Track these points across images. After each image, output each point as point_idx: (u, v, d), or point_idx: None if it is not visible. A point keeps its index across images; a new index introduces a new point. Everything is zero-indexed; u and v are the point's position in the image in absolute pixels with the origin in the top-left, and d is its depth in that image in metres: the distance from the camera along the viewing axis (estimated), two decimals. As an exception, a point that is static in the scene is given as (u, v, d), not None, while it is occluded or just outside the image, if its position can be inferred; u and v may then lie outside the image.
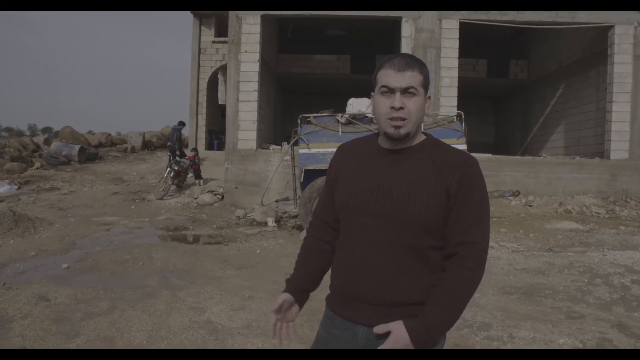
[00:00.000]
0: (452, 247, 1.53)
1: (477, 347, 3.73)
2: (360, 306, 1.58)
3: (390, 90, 1.53)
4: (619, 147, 11.12)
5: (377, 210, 1.55)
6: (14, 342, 3.67)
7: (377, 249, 1.55)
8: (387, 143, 1.62)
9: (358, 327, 1.59)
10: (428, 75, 1.59)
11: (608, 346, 3.75)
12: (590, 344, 3.77)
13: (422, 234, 1.52)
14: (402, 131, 1.54)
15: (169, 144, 15.13)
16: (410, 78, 1.52)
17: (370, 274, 1.55)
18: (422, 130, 1.69)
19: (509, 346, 3.74)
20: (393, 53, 1.66)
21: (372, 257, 1.55)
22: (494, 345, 3.76)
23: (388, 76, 1.54)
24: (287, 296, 1.70)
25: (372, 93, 1.64)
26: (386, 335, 1.51)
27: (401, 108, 1.52)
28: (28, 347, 3.60)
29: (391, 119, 1.53)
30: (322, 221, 1.77)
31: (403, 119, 1.53)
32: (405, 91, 1.52)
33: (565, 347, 3.71)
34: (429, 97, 1.61)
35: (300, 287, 1.74)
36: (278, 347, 3.69)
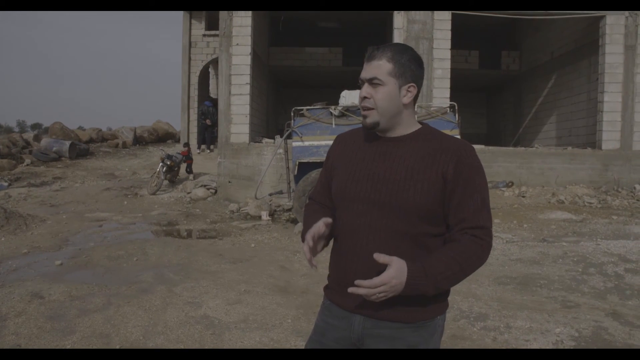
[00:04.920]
0: (459, 231, 1.53)
1: (474, 337, 3.74)
2: (356, 295, 1.57)
3: (361, 82, 1.60)
4: (610, 137, 11.19)
5: (372, 198, 1.56)
6: (9, 340, 3.63)
7: (372, 236, 1.55)
8: (379, 132, 1.65)
9: (354, 316, 1.60)
10: (405, 64, 1.57)
11: (603, 334, 3.78)
12: (586, 333, 3.80)
13: (416, 221, 1.53)
14: (368, 120, 1.59)
15: (208, 121, 16.01)
16: (375, 68, 1.56)
17: (367, 262, 1.55)
18: (419, 120, 1.70)
19: (506, 336, 3.75)
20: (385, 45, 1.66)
21: (368, 245, 1.55)
22: (491, 335, 3.78)
23: (362, 68, 1.61)
24: (327, 220, 1.58)
25: None
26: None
27: (366, 97, 1.58)
28: (23, 344, 3.56)
29: (361, 108, 1.61)
30: (320, 203, 1.79)
31: (369, 109, 1.58)
32: (371, 82, 1.57)
33: (561, 335, 3.73)
34: (412, 86, 1.59)
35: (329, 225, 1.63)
36: (276, 342, 3.68)
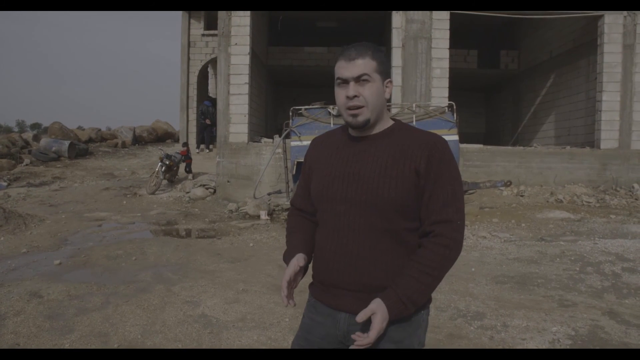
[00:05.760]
0: (428, 226, 1.55)
1: (471, 336, 3.75)
2: (341, 293, 1.62)
3: (344, 81, 1.59)
4: (609, 137, 11.20)
5: (350, 197, 1.58)
6: (8, 339, 3.64)
7: (352, 235, 1.58)
8: (355, 131, 1.66)
9: (340, 314, 1.63)
10: (384, 60, 1.61)
11: (600, 333, 3.79)
12: (583, 331, 3.81)
13: (394, 217, 1.56)
14: (360, 119, 1.59)
15: (207, 121, 16.17)
16: (362, 66, 1.57)
17: (348, 260, 1.59)
18: (392, 117, 1.72)
19: (503, 335, 3.77)
20: (384, 44, 1.67)
21: (348, 244, 1.59)
22: (488, 334, 3.79)
23: (341, 67, 1.59)
24: (301, 257, 1.65)
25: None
26: (368, 321, 1.54)
27: (355, 96, 1.57)
28: (22, 343, 3.57)
29: (348, 108, 1.58)
30: (300, 210, 1.82)
31: (359, 107, 1.58)
32: (358, 79, 1.57)
33: (558, 334, 3.75)
34: (390, 82, 1.64)
35: (306, 252, 1.70)
36: (274, 341, 3.70)
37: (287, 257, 1.69)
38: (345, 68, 1.58)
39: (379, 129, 1.64)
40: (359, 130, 1.64)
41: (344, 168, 1.62)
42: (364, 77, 1.56)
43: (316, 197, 1.69)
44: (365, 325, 1.53)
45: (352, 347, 1.48)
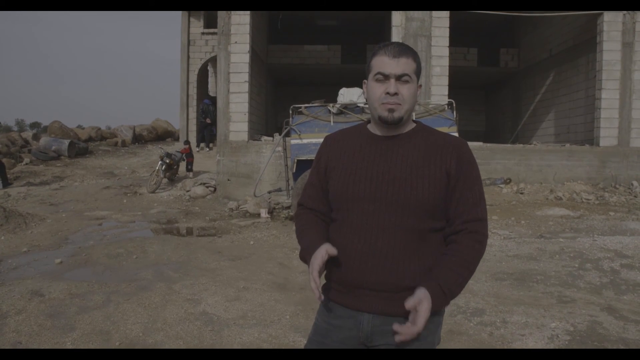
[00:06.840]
0: (460, 225, 1.58)
1: (471, 332, 3.78)
2: (364, 293, 1.59)
3: (385, 77, 1.58)
4: (608, 134, 11.21)
5: (379, 196, 1.57)
6: (9, 337, 3.66)
7: (382, 235, 1.57)
8: (380, 130, 1.66)
9: (362, 315, 1.60)
10: (420, 64, 1.64)
11: (598, 329, 3.81)
12: (581, 327, 3.83)
13: (424, 216, 1.57)
14: (396, 115, 1.58)
15: (207, 119, 16.23)
16: (405, 65, 1.57)
17: (375, 260, 1.56)
18: (413, 119, 1.73)
19: (502, 331, 3.79)
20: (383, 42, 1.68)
21: (377, 243, 1.57)
22: (488, 330, 3.81)
23: (383, 63, 1.58)
24: (330, 246, 1.56)
25: (364, 80, 1.68)
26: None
27: (396, 94, 1.57)
28: (23, 342, 3.60)
29: (385, 103, 1.58)
30: (311, 210, 1.77)
31: (397, 104, 1.58)
32: (400, 78, 1.57)
33: (556, 330, 3.77)
34: (420, 86, 1.66)
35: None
36: (275, 338, 3.72)
37: (307, 252, 1.61)
38: (389, 64, 1.57)
39: (404, 129, 1.65)
40: (387, 129, 1.63)
41: (371, 167, 1.60)
42: (405, 77, 1.57)
43: (338, 196, 1.65)
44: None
45: (397, 338, 1.46)
